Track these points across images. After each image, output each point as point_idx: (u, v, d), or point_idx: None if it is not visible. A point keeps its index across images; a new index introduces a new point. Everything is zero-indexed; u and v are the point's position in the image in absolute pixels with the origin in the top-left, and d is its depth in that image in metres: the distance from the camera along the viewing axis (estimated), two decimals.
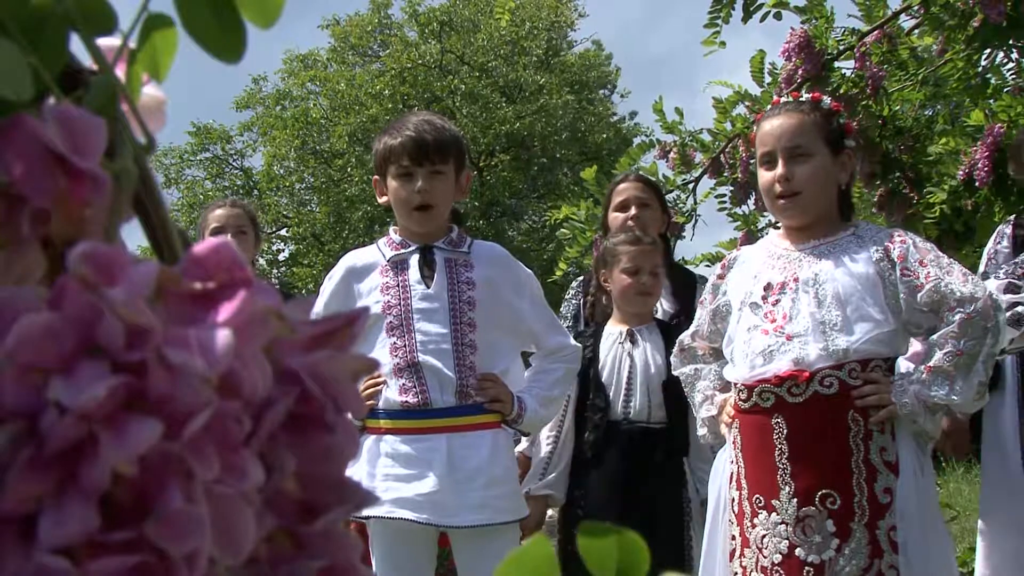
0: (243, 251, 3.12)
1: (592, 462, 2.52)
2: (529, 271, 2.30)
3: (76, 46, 0.32)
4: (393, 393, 2.10)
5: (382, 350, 2.11)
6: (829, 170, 2.05)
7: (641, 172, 3.31)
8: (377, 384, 2.11)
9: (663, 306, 2.86)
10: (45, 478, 0.25)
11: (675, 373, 2.33)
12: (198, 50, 0.36)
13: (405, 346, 2.11)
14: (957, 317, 1.89)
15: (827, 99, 2.15)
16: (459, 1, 18.50)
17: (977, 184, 3.49)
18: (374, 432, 2.11)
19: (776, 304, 2.02)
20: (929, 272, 1.94)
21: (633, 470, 2.49)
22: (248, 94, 19.13)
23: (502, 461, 2.11)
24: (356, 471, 2.06)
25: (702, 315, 2.23)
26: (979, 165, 3.44)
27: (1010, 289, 2.43)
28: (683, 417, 2.54)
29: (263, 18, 0.36)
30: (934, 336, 1.93)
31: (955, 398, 1.90)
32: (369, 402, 2.10)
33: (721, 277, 2.20)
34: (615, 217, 2.90)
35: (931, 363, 1.91)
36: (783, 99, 2.19)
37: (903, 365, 2.04)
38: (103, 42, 0.33)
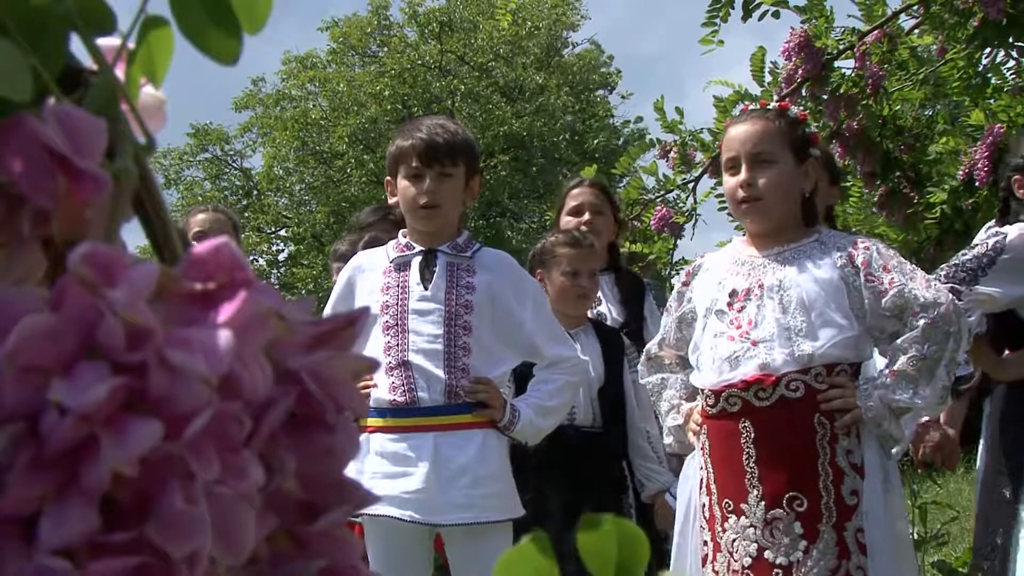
0: None
1: (537, 468, 2.45)
2: (535, 281, 2.31)
3: (76, 46, 0.32)
4: (383, 391, 2.11)
5: (377, 349, 2.12)
6: (792, 178, 2.07)
7: (595, 179, 3.32)
8: (367, 386, 2.11)
9: (612, 314, 2.87)
10: (46, 479, 0.25)
11: (642, 382, 2.34)
12: (196, 51, 0.36)
13: (398, 345, 2.12)
14: (920, 322, 1.93)
15: (794, 108, 2.19)
16: (459, 1, 18.50)
17: (977, 184, 3.50)
18: (364, 430, 2.12)
19: (741, 311, 2.04)
20: (893, 278, 1.97)
21: (580, 476, 2.49)
22: (247, 95, 19.13)
23: (490, 460, 2.11)
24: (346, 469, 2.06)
25: (667, 323, 2.25)
26: (979, 165, 3.44)
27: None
28: (620, 422, 2.57)
29: (250, 24, 0.36)
30: (898, 341, 1.96)
31: (919, 401, 1.93)
32: None
33: (686, 284, 2.22)
34: (568, 221, 2.93)
35: (895, 367, 1.94)
36: (751, 106, 2.22)
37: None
38: (103, 42, 0.33)
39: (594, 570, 0.33)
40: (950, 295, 1.99)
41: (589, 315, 2.77)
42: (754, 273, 2.07)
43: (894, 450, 2.06)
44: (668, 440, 2.23)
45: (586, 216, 2.90)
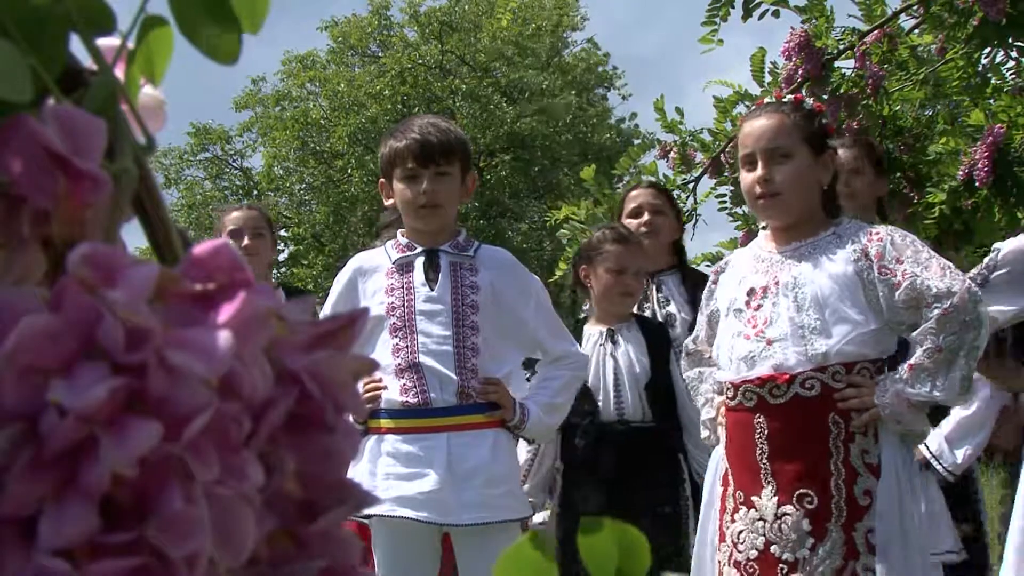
0: (262, 253, 3.11)
1: (587, 465, 2.49)
2: (536, 278, 2.32)
3: (76, 46, 0.32)
4: (394, 393, 2.11)
5: (384, 351, 2.12)
6: (810, 171, 2.06)
7: (651, 178, 3.34)
8: (377, 388, 2.12)
9: (680, 314, 2.87)
10: (45, 480, 0.25)
11: (683, 377, 2.35)
12: (196, 51, 0.36)
13: (407, 347, 2.12)
14: (935, 313, 1.90)
15: (810, 100, 2.16)
16: (460, 1, 18.49)
17: (977, 184, 3.49)
18: (376, 432, 2.12)
19: (758, 309, 2.04)
20: (906, 269, 1.94)
21: (630, 471, 2.49)
22: (247, 95, 19.13)
23: (502, 460, 2.12)
24: (358, 470, 2.07)
25: (700, 321, 2.26)
26: (979, 165, 3.44)
27: None
28: (671, 416, 2.54)
29: (250, 22, 0.36)
30: (914, 333, 1.93)
31: (938, 394, 1.91)
32: (369, 405, 2.10)
33: (714, 283, 2.23)
34: (628, 223, 2.93)
35: (912, 361, 1.92)
36: (767, 100, 2.20)
37: None
38: (103, 42, 0.33)
39: (594, 572, 0.33)
40: (966, 282, 1.93)
41: (658, 316, 2.77)
42: (771, 270, 2.06)
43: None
44: (705, 433, 2.23)
45: (646, 217, 2.92)
